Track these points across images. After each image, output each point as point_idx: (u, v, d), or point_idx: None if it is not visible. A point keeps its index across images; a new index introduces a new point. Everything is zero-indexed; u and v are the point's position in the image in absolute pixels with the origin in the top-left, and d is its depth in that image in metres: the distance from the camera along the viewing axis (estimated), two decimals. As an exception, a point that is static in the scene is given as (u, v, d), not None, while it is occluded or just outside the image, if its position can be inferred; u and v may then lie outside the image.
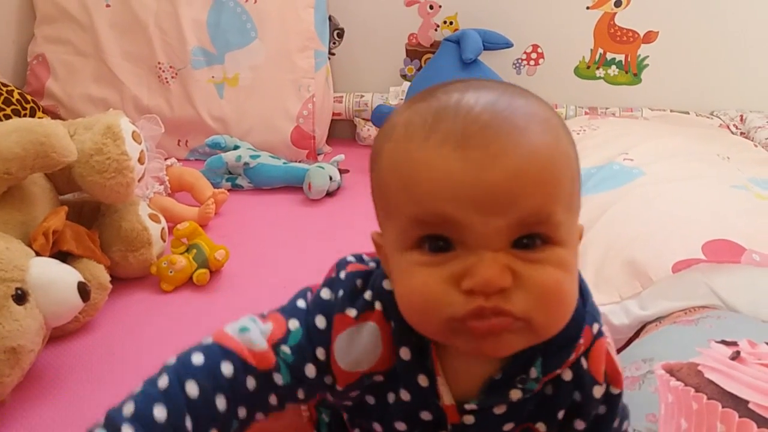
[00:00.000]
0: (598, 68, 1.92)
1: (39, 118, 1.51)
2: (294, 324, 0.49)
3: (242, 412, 0.46)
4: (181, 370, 0.44)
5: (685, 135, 1.51)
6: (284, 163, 1.55)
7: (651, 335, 0.87)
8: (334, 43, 1.85)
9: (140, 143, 1.10)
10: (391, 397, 0.49)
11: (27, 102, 1.54)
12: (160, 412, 0.42)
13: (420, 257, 0.41)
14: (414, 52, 1.94)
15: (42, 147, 0.94)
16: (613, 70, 1.92)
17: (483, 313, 0.40)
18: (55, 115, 1.65)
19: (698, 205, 1.09)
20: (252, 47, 1.69)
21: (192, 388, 0.43)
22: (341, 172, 1.53)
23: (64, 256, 0.99)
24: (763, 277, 0.93)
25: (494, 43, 1.73)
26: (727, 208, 1.08)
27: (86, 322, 1.01)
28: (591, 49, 1.90)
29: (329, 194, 1.49)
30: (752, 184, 1.22)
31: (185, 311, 1.07)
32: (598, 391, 0.50)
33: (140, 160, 1.09)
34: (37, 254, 0.92)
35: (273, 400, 0.48)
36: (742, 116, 1.83)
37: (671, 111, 1.87)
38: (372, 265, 0.51)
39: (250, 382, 0.46)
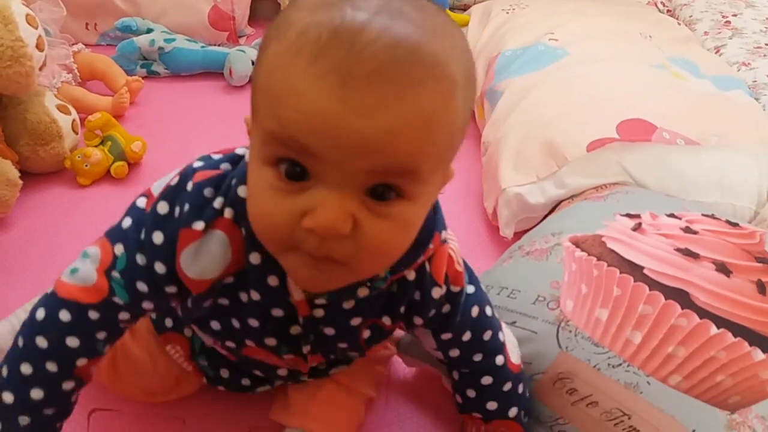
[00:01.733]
0: (530, -58, 1.85)
1: None
2: (119, 249, 0.50)
3: (102, 335, 0.52)
4: (29, 328, 0.51)
5: (611, 13, 1.50)
6: (202, 46, 1.47)
7: (562, 211, 0.91)
8: None
9: (37, 27, 1.02)
10: (243, 297, 0.51)
11: None
12: (26, 369, 0.50)
13: (275, 180, 0.40)
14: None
15: None
16: (545, -55, 1.86)
17: (313, 256, 0.41)
18: (-58, -3, 1.49)
19: (616, 85, 1.11)
20: None
21: (41, 341, 0.50)
22: (265, 56, 1.46)
23: (-36, 153, 0.94)
24: (671, 154, 0.97)
25: None
26: (643, 87, 1.11)
27: (-2, 219, 0.97)
28: None
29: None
30: (670, 63, 1.24)
31: (105, 205, 1.04)
32: (436, 292, 0.54)
33: (38, 47, 1.01)
34: (-67, 151, 0.87)
35: (124, 316, 0.52)
36: (669, -7, 1.83)
37: (602, -12, 1.85)
38: (224, 167, 0.50)
39: (93, 315, 0.51)
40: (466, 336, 0.60)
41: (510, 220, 0.99)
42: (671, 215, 0.79)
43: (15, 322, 0.72)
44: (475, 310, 0.59)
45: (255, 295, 0.50)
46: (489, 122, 1.17)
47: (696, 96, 1.10)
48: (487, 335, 0.61)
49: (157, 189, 0.51)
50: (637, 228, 0.76)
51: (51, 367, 0.50)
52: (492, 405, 0.63)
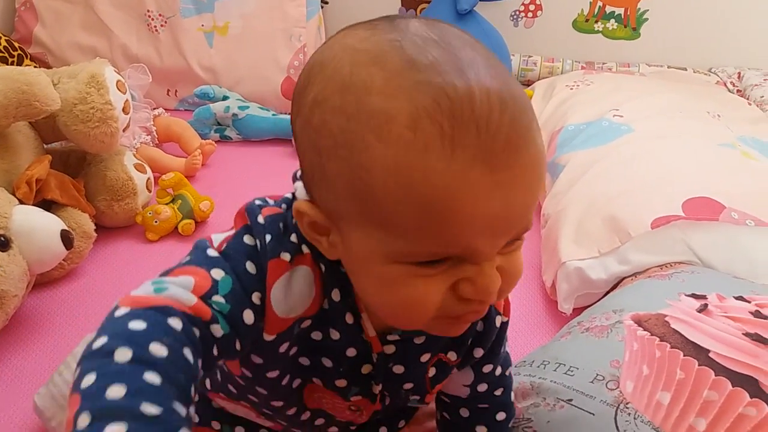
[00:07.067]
0: (596, 22, 1.89)
1: (26, 65, 1.50)
2: (218, 273, 0.43)
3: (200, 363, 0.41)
4: (135, 342, 0.36)
5: (678, 92, 1.50)
6: (273, 114, 1.55)
7: (625, 288, 0.89)
8: (327, -8, 1.82)
9: (125, 93, 1.10)
10: (316, 336, 0.49)
11: (14, 49, 1.52)
12: (153, 377, 0.35)
13: (414, 269, 0.39)
14: (409, 2, 1.91)
15: (24, 95, 0.94)
16: (611, 24, 1.89)
17: (478, 311, 0.43)
18: (43, 63, 1.64)
19: (682, 163, 1.09)
20: (242, -5, 1.66)
21: (159, 349, 0.36)
22: (331, 124, 1.51)
23: (48, 205, 1.00)
24: (740, 235, 0.94)
25: (491, -7, 1.70)
26: (711, 166, 1.08)
27: (71, 269, 1.02)
28: (590, 2, 1.87)
29: (319, 147, 1.48)
30: (740, 143, 1.21)
31: (170, 261, 1.05)
32: (498, 321, 0.55)
33: (125, 110, 1.09)
34: (21, 202, 0.93)
35: (215, 351, 0.42)
36: (739, 73, 1.81)
37: (669, 67, 1.85)
38: (283, 207, 0.49)
39: (197, 332, 0.40)
40: (498, 370, 0.60)
41: (569, 294, 0.97)
42: (740, 298, 0.75)
43: (54, 390, 0.73)
44: (506, 345, 0.60)
45: (334, 334, 0.49)
46: (549, 195, 1.16)
47: (767, 176, 1.07)
48: (509, 370, 0.62)
49: (217, 240, 0.47)
50: (703, 309, 0.73)
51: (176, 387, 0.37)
52: None
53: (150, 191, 1.18)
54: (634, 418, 0.62)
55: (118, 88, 1.08)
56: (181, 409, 0.35)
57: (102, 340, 0.36)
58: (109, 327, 0.37)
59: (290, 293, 0.46)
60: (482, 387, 0.61)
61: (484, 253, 0.39)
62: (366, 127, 0.37)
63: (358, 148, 0.37)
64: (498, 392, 0.62)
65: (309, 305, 0.47)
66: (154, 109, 1.43)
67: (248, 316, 0.44)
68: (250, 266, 0.45)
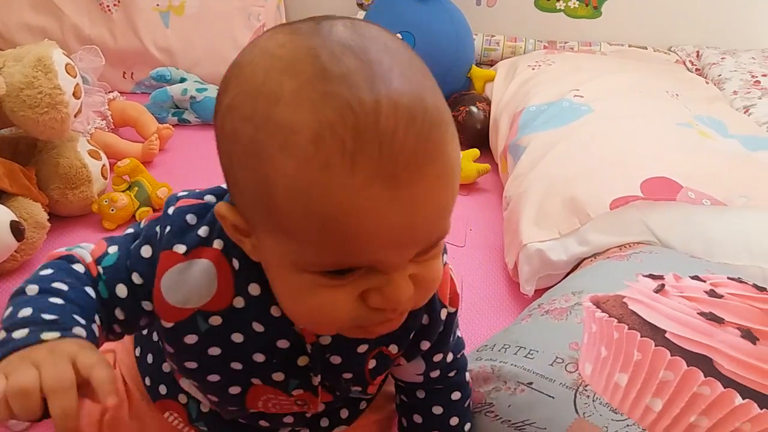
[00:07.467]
0: (558, 0, 1.89)
1: (-28, 48, 1.44)
2: (113, 249, 0.49)
3: (92, 292, 0.47)
4: (41, 281, 0.44)
5: (638, 71, 1.51)
6: (233, 97, 1.51)
7: (584, 270, 0.90)
8: (287, -30, 1.78)
9: (75, 76, 1.06)
10: (237, 338, 0.50)
11: (-42, 31, 1.46)
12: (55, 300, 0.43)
13: (322, 279, 0.39)
14: (370, -18, 1.87)
15: (-35, 80, 0.90)
16: (573, 3, 1.89)
17: (391, 319, 0.43)
18: (-10, 46, 1.57)
19: (641, 143, 1.10)
20: (198, -28, 1.62)
21: (61, 285, 0.44)
22: (293, 106, 1.49)
23: (-3, 195, 0.96)
24: (696, 214, 0.95)
25: (453, -28, 1.68)
26: (669, 145, 1.10)
27: (24, 261, 0.99)
28: (552, -19, 1.86)
29: (280, 130, 1.46)
30: (697, 122, 1.23)
31: (128, 249, 1.06)
32: (443, 314, 0.56)
33: (75, 95, 1.05)
34: (-33, 192, 0.89)
35: (101, 310, 0.47)
36: (698, 52, 1.83)
37: (630, 46, 1.86)
38: (208, 198, 0.50)
39: (81, 269, 0.48)
40: (449, 357, 0.62)
41: (531, 276, 0.98)
42: (695, 277, 0.77)
43: None
44: (458, 331, 0.62)
45: (258, 327, 0.49)
46: (511, 176, 1.17)
47: (723, 155, 1.09)
48: (461, 353, 0.64)
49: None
50: (660, 290, 0.74)
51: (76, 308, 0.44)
52: (454, 420, 0.65)
53: (105, 178, 1.14)
54: (593, 401, 0.63)
55: (67, 72, 1.04)
56: (80, 320, 0.42)
57: (19, 286, 0.45)
58: (29, 277, 0.46)
59: (183, 284, 0.47)
60: (435, 373, 0.62)
61: (391, 264, 0.39)
62: (271, 138, 0.36)
63: (264, 159, 0.37)
64: (451, 374, 0.63)
65: (209, 299, 0.48)
66: (109, 92, 1.38)
67: (121, 290, 0.48)
68: (145, 250, 0.48)
